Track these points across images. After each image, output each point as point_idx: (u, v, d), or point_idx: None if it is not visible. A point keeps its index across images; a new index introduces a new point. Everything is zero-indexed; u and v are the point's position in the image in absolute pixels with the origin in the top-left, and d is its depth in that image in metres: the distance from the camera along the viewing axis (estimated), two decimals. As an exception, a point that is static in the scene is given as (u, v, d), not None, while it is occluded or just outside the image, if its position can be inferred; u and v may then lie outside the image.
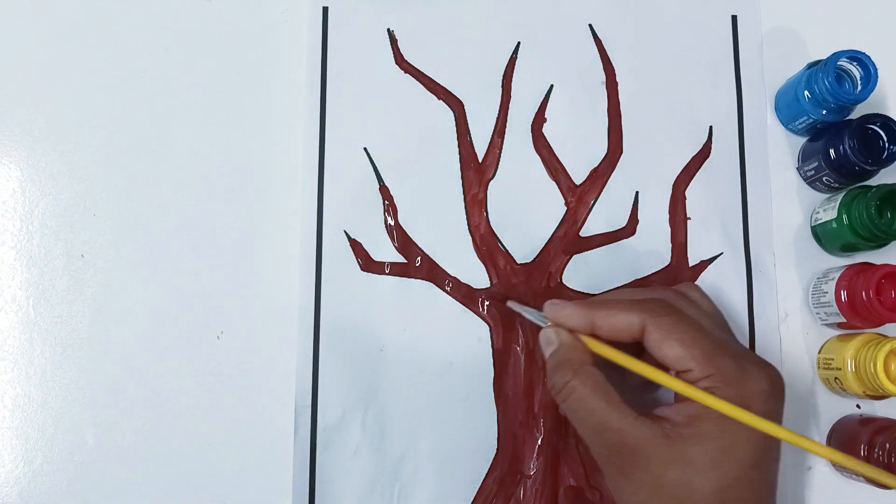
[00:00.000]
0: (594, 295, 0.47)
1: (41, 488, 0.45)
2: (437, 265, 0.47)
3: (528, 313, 0.42)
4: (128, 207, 0.47)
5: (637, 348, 0.38)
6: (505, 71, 0.49)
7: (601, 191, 0.48)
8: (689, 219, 0.47)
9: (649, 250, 0.47)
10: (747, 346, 0.46)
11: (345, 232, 0.47)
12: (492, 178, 0.48)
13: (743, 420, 0.34)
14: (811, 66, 0.45)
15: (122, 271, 0.47)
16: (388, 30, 0.49)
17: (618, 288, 0.46)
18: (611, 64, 0.49)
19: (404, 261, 0.47)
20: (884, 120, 0.43)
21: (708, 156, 0.48)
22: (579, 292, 0.47)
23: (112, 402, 0.45)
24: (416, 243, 0.47)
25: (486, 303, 0.46)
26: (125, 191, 0.47)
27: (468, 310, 0.46)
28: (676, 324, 0.37)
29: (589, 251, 0.47)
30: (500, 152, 0.48)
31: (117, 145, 0.48)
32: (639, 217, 0.47)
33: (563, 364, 0.38)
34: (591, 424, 0.37)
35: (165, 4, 0.49)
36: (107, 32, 0.49)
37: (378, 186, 0.47)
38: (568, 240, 0.47)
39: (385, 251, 0.47)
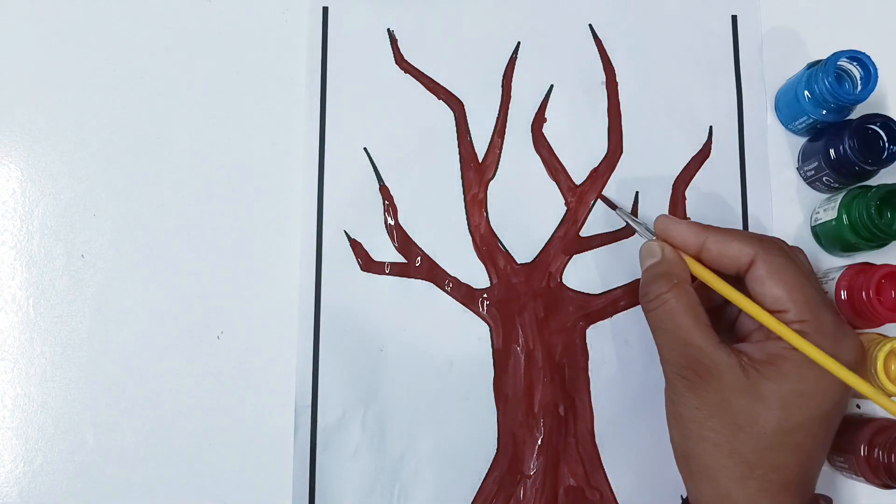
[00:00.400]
0: (595, 295, 0.47)
1: (41, 488, 0.45)
2: (437, 265, 0.47)
3: (634, 222, 0.43)
4: (128, 207, 0.47)
5: (731, 283, 0.39)
6: (505, 71, 0.49)
7: (601, 191, 0.48)
8: (689, 219, 0.47)
9: (649, 250, 0.47)
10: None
11: (345, 232, 0.47)
12: (492, 178, 0.48)
13: (828, 367, 0.35)
14: (811, 66, 0.45)
15: (122, 271, 0.47)
16: (388, 30, 0.49)
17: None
18: (611, 64, 0.49)
19: (404, 261, 0.47)
20: (884, 120, 0.43)
21: (708, 156, 0.48)
22: (579, 292, 0.47)
23: (112, 402, 0.45)
24: (416, 243, 0.47)
25: (486, 303, 0.46)
26: (125, 191, 0.47)
27: (468, 310, 0.46)
28: (786, 266, 0.37)
29: (589, 251, 0.47)
30: (500, 152, 0.48)
31: (117, 145, 0.48)
32: (639, 217, 0.47)
33: (662, 276, 0.39)
34: (674, 338, 0.38)
35: (165, 4, 0.49)
36: (107, 32, 0.49)
37: (378, 186, 0.47)
38: (568, 240, 0.47)
39: (385, 251, 0.47)
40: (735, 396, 0.36)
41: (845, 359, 0.36)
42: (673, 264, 0.40)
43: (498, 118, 0.48)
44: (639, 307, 0.46)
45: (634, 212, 0.47)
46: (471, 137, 0.48)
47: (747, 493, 0.36)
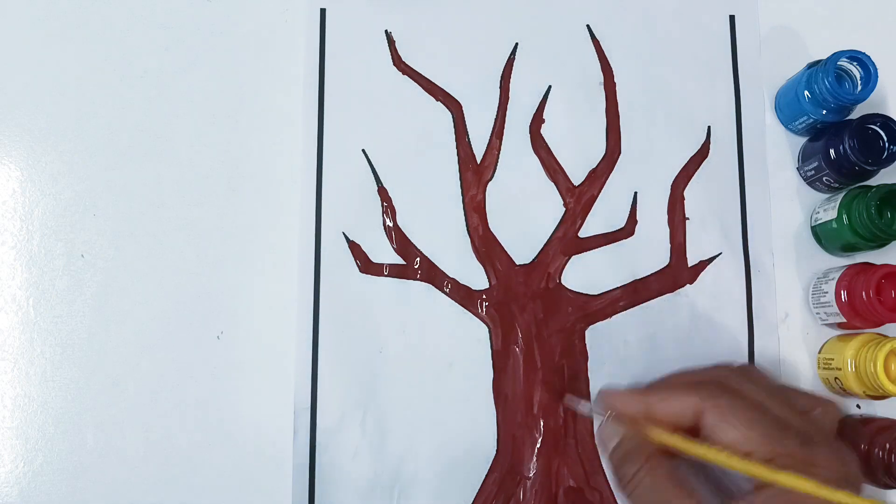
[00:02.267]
0: (594, 295, 0.47)
1: (41, 488, 0.45)
2: (436, 266, 0.47)
3: (584, 406, 0.42)
4: (128, 207, 0.47)
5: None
6: (503, 72, 0.49)
7: (600, 191, 0.47)
8: (688, 219, 0.47)
9: (648, 251, 0.47)
10: (746, 347, 0.46)
11: (343, 233, 0.47)
12: (490, 179, 0.48)
13: (808, 490, 0.32)
14: (811, 66, 0.45)
15: (122, 271, 0.47)
16: (386, 31, 0.49)
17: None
18: (609, 64, 0.49)
19: (403, 262, 0.47)
20: (884, 120, 0.43)
21: (706, 156, 0.48)
22: (579, 293, 0.47)
23: (112, 402, 0.45)
24: (414, 245, 0.47)
25: (485, 304, 0.46)
26: (125, 191, 0.47)
27: (467, 311, 0.46)
28: (733, 406, 0.35)
29: (588, 252, 0.47)
30: (499, 153, 0.48)
31: (117, 145, 0.48)
32: (637, 217, 0.47)
33: (630, 454, 0.36)
34: None
35: (165, 4, 0.49)
36: (107, 32, 0.49)
37: (376, 188, 0.47)
38: (567, 240, 0.47)
39: (384, 253, 0.47)
40: None
41: (824, 478, 0.33)
42: (635, 439, 0.36)
43: (496, 119, 0.48)
44: (638, 307, 0.46)
45: (633, 213, 0.47)
46: (469, 139, 0.48)
47: None
